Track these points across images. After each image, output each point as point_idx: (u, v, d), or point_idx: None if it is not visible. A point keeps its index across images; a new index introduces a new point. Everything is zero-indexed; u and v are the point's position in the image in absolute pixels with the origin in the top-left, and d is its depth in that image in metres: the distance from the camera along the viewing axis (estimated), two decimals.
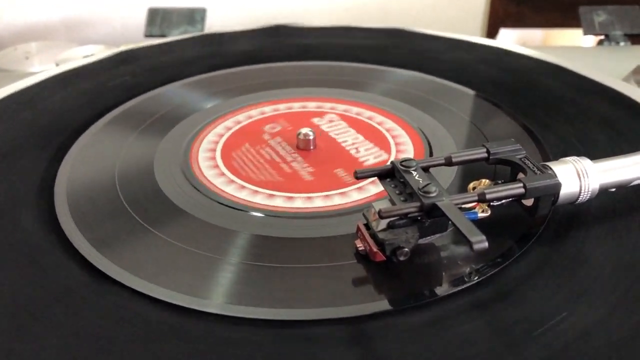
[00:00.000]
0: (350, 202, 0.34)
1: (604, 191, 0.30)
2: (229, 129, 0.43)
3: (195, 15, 0.74)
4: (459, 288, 0.26)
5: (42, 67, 0.70)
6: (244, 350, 0.24)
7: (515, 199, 0.28)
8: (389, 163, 0.29)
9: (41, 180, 0.36)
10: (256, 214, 0.33)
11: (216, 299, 0.26)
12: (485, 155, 0.31)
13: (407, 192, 0.28)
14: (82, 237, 0.30)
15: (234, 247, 0.30)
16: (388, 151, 0.39)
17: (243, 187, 0.35)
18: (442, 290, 0.26)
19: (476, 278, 0.27)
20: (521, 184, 0.28)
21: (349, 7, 0.97)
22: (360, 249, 0.28)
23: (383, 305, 0.26)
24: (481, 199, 0.27)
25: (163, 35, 0.72)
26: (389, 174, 0.29)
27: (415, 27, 0.62)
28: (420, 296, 0.26)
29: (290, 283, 0.27)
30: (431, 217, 0.27)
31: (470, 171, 0.35)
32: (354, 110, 0.45)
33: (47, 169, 0.37)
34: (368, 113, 0.44)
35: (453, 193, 0.27)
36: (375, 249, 0.27)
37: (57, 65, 0.64)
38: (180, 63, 0.55)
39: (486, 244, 0.23)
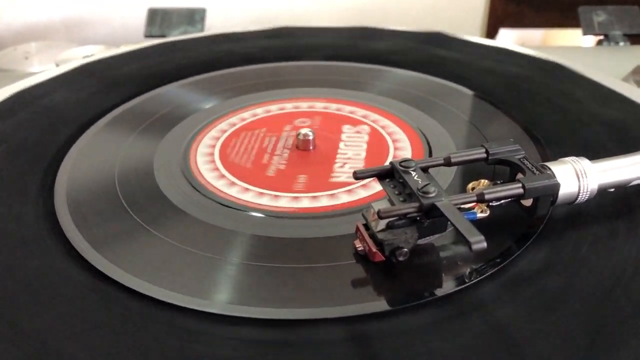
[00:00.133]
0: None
1: (602, 191, 0.30)
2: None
3: (195, 16, 0.74)
4: (458, 288, 0.26)
5: (42, 67, 0.70)
6: (243, 350, 0.24)
7: (514, 199, 0.29)
8: (388, 163, 0.29)
9: (41, 180, 0.36)
10: (255, 214, 0.33)
11: (216, 299, 0.26)
12: (484, 155, 0.31)
13: (406, 192, 0.28)
14: (82, 237, 0.30)
15: (233, 247, 0.30)
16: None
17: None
18: (441, 290, 0.26)
19: (475, 278, 0.27)
20: (520, 184, 0.28)
21: (349, 7, 0.98)
22: (359, 249, 0.28)
23: (382, 305, 0.26)
24: (480, 199, 0.27)
25: (163, 36, 0.72)
26: (388, 175, 0.29)
27: (415, 26, 0.62)
28: (419, 296, 0.26)
29: (290, 283, 0.27)
30: (430, 217, 0.27)
31: (469, 171, 0.35)
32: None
33: (47, 169, 0.37)
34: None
35: (452, 193, 0.27)
36: (374, 249, 0.27)
37: (57, 65, 0.64)
38: (180, 63, 0.55)
39: (485, 244, 0.23)
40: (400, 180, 0.28)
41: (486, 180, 0.31)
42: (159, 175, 0.37)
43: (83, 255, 0.29)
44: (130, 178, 0.36)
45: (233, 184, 0.36)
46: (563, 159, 0.30)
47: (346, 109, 0.45)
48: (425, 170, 0.29)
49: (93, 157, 0.39)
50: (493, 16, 1.01)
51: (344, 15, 0.97)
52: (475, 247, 0.23)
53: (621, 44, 0.70)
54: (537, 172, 0.29)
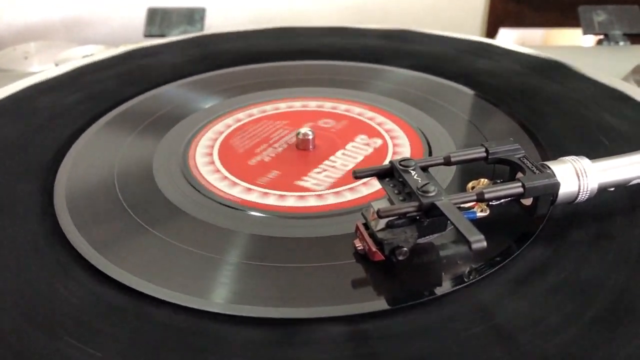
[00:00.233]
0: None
1: (602, 190, 0.30)
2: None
3: (194, 15, 0.74)
4: (458, 287, 0.26)
5: (42, 67, 0.70)
6: (243, 350, 0.24)
7: (514, 198, 0.29)
8: (387, 162, 0.29)
9: (41, 180, 0.36)
10: (255, 213, 0.33)
11: (216, 299, 0.26)
12: (484, 154, 0.31)
13: (406, 191, 0.28)
14: (82, 238, 0.30)
15: (233, 247, 0.30)
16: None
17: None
18: (441, 289, 0.26)
19: (475, 277, 0.27)
20: (520, 184, 0.28)
21: (348, 6, 0.98)
22: (359, 248, 0.28)
23: (382, 304, 0.26)
24: (480, 198, 0.27)
25: (162, 35, 0.72)
26: (388, 174, 0.29)
27: (414, 26, 0.62)
28: (419, 295, 0.26)
29: (290, 282, 0.27)
30: (430, 216, 0.27)
31: (469, 171, 0.35)
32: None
33: (47, 169, 0.37)
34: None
35: (452, 193, 0.27)
36: (374, 249, 0.27)
37: (56, 65, 0.64)
38: (180, 63, 0.55)
39: (485, 244, 0.23)
40: (400, 180, 0.28)
41: (486, 180, 0.31)
42: (158, 175, 0.36)
43: (83, 255, 0.29)
44: (130, 178, 0.36)
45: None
46: (563, 158, 0.30)
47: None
48: (425, 169, 0.29)
49: (93, 157, 0.39)
50: (493, 16, 1.01)
51: (343, 14, 0.97)
52: (475, 246, 0.23)
53: (621, 43, 0.70)
54: (537, 172, 0.29)
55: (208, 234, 0.31)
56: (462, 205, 0.28)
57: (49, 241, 0.30)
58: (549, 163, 0.30)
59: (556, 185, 0.29)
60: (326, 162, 0.38)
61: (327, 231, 0.31)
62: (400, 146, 0.40)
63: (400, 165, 0.29)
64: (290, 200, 0.34)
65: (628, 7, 0.73)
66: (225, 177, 0.36)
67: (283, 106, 0.46)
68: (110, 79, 0.52)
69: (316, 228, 0.31)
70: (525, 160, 0.30)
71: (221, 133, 0.42)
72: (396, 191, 0.28)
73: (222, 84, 0.50)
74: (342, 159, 0.38)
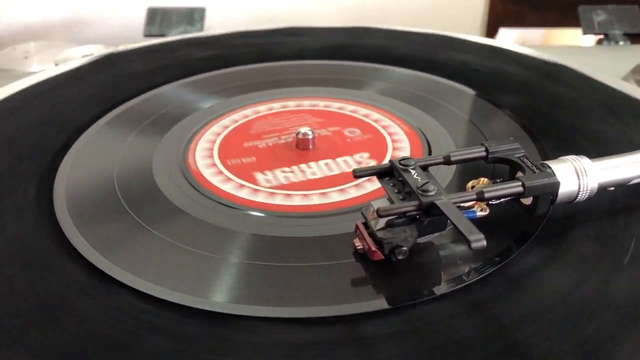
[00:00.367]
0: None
1: (602, 190, 0.30)
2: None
3: (194, 15, 0.74)
4: (458, 287, 0.26)
5: (41, 67, 0.70)
6: (243, 349, 0.24)
7: (514, 197, 0.29)
8: (387, 162, 0.29)
9: (41, 180, 0.36)
10: (255, 213, 0.33)
11: (215, 298, 0.26)
12: (484, 154, 0.31)
13: (406, 190, 0.28)
14: (82, 238, 0.30)
15: (233, 247, 0.30)
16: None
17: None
18: (440, 289, 0.26)
19: (475, 277, 0.27)
20: (520, 183, 0.28)
21: (348, 6, 0.98)
22: (358, 247, 0.28)
23: (381, 304, 0.26)
24: (480, 197, 0.27)
25: (162, 35, 0.72)
26: (388, 173, 0.29)
27: (414, 27, 0.62)
28: (419, 295, 0.26)
29: (289, 282, 0.27)
30: (430, 215, 0.27)
31: (469, 170, 0.35)
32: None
33: (47, 169, 0.37)
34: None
35: (452, 192, 0.27)
36: (373, 248, 0.27)
37: (56, 65, 0.64)
38: (180, 63, 0.55)
39: (484, 243, 0.23)
40: (400, 179, 0.28)
41: (486, 179, 0.31)
42: (158, 175, 0.36)
43: (83, 255, 0.29)
44: (130, 178, 0.36)
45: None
46: (563, 157, 0.30)
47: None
48: (424, 168, 0.29)
49: (93, 157, 0.39)
50: (493, 16, 1.01)
51: (343, 14, 0.97)
52: (474, 245, 0.23)
53: (621, 43, 0.70)
54: (537, 171, 0.29)
55: (208, 234, 0.31)
56: (461, 205, 0.28)
57: (48, 241, 0.30)
58: (548, 162, 0.30)
59: (556, 185, 0.29)
60: (302, 165, 0.37)
61: (327, 230, 0.31)
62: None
63: (400, 164, 0.29)
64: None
65: (628, 7, 0.73)
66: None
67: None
68: (110, 79, 0.52)
69: (316, 227, 0.31)
70: (525, 160, 0.30)
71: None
72: (396, 190, 0.28)
73: (222, 84, 0.50)
74: (321, 167, 0.37)
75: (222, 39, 0.62)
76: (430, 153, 0.39)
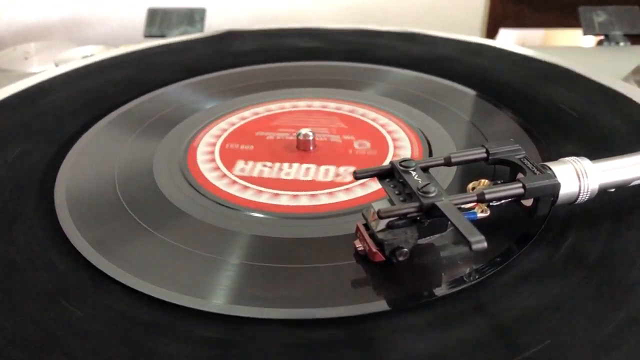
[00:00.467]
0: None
1: (603, 191, 0.30)
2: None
3: (194, 16, 0.74)
4: (458, 288, 0.26)
5: (42, 68, 0.70)
6: (243, 350, 0.24)
7: (514, 199, 0.28)
8: (388, 163, 0.29)
9: (41, 180, 0.36)
10: (255, 214, 0.33)
11: (215, 299, 0.26)
12: (485, 155, 0.31)
13: (406, 192, 0.28)
14: (82, 238, 0.30)
15: (233, 247, 0.30)
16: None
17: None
18: (441, 290, 0.26)
19: (475, 278, 0.27)
20: (520, 184, 0.28)
21: (348, 6, 0.97)
22: (359, 249, 0.28)
23: (382, 305, 0.26)
24: (480, 199, 0.27)
25: (162, 36, 0.72)
26: (388, 174, 0.29)
27: (415, 27, 0.62)
28: (420, 296, 0.26)
29: (290, 283, 0.27)
30: (430, 217, 0.27)
31: (469, 171, 0.35)
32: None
33: (47, 169, 0.37)
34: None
35: (452, 193, 0.27)
36: (374, 249, 0.27)
37: (56, 65, 0.64)
38: (180, 63, 0.55)
39: (485, 244, 0.23)
40: (400, 180, 0.28)
41: (486, 180, 0.31)
42: (159, 176, 0.36)
43: (83, 255, 0.29)
44: (130, 178, 0.36)
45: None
46: (563, 158, 0.30)
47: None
48: (425, 170, 0.29)
49: (93, 158, 0.39)
50: (493, 16, 1.01)
51: (343, 14, 0.97)
52: (475, 247, 0.23)
53: (621, 44, 0.70)
54: (538, 172, 0.29)
55: (208, 234, 0.31)
56: (462, 206, 0.28)
57: (49, 241, 0.30)
58: (549, 164, 0.30)
59: (557, 186, 0.29)
60: (286, 164, 0.37)
61: (328, 232, 0.31)
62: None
63: (401, 165, 0.29)
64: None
65: (628, 8, 0.73)
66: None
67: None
68: (111, 79, 0.52)
69: (316, 229, 0.31)
70: (525, 161, 0.30)
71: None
72: (397, 192, 0.28)
73: (223, 85, 0.50)
74: (307, 171, 0.37)
75: (222, 38, 0.62)
76: (430, 154, 0.39)
